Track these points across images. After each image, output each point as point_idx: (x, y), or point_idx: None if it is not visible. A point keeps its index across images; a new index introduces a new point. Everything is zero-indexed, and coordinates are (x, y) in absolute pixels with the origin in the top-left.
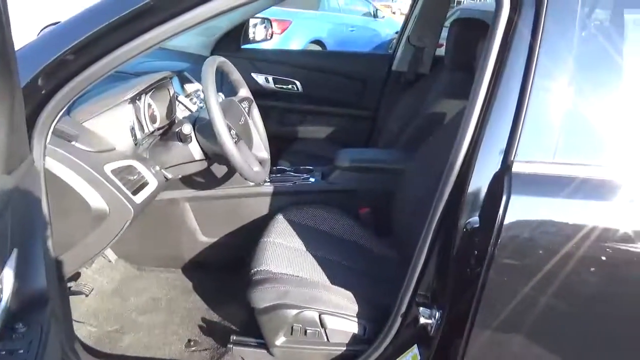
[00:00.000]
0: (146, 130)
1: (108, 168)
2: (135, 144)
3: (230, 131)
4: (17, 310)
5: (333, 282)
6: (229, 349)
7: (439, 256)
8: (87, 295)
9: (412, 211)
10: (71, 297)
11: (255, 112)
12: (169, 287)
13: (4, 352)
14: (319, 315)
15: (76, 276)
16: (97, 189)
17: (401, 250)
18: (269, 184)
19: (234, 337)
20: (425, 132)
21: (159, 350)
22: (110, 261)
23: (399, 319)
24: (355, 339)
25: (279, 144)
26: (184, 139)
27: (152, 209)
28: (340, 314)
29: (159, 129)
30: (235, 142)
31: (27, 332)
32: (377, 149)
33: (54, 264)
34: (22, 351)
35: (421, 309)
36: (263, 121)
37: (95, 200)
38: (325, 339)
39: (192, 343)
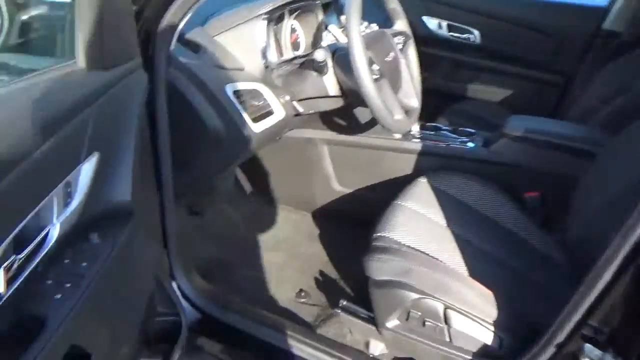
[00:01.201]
0: (285, 56)
1: (231, 88)
2: (266, 67)
3: (371, 65)
4: (94, 220)
5: (472, 273)
6: (336, 313)
7: (632, 281)
8: (201, 217)
9: (598, 209)
10: (192, 219)
11: (411, 51)
12: (296, 229)
13: (67, 261)
14: (445, 309)
15: (204, 199)
16: (215, 108)
17: (573, 257)
18: (418, 140)
19: (343, 302)
20: (634, 114)
21: (269, 291)
22: (244, 192)
23: (552, 349)
24: (485, 350)
25: (441, 100)
26: (318, 68)
27: (289, 146)
28: (472, 315)
29: (300, 57)
30: (376, 80)
31: (98, 245)
32: (563, 121)
33: (169, 180)
34: (84, 264)
35: (587, 346)
36: (428, 72)
37: (212, 120)
38: (447, 338)
39: (302, 294)
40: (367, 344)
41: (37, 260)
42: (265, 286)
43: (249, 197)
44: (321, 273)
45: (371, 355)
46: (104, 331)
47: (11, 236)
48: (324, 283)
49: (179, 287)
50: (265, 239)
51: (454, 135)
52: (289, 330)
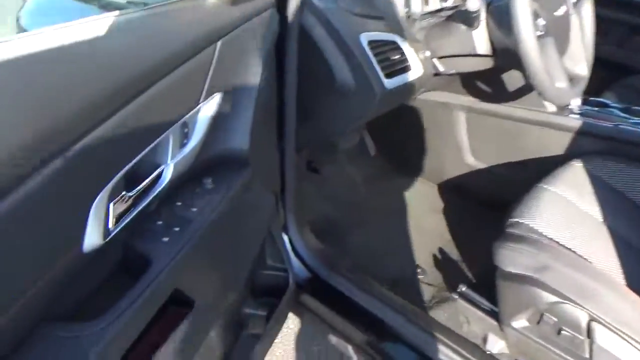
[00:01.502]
0: (431, 6)
1: (366, 38)
2: (408, 18)
3: (535, 19)
4: (209, 165)
5: (629, 282)
6: (453, 298)
7: None
8: (319, 174)
9: None
10: (310, 175)
11: (587, 8)
12: (419, 200)
13: (178, 204)
14: (589, 320)
15: (324, 156)
16: (346, 58)
17: None
18: (577, 116)
19: (462, 288)
20: None
21: (382, 261)
22: (368, 153)
23: None
24: None
25: (610, 72)
26: (468, 20)
27: (422, 109)
28: (623, 333)
29: (448, 8)
30: (539, 37)
31: (211, 191)
32: None
33: (292, 131)
34: (195, 209)
35: None
36: (598, 37)
37: (341, 71)
38: (586, 354)
39: (419, 270)
40: (484, 339)
41: (148, 200)
42: (379, 255)
43: (372, 159)
44: (441, 251)
45: (488, 352)
46: (210, 278)
47: (123, 171)
48: (443, 262)
49: (290, 242)
50: (385, 206)
51: (625, 115)
52: (399, 306)
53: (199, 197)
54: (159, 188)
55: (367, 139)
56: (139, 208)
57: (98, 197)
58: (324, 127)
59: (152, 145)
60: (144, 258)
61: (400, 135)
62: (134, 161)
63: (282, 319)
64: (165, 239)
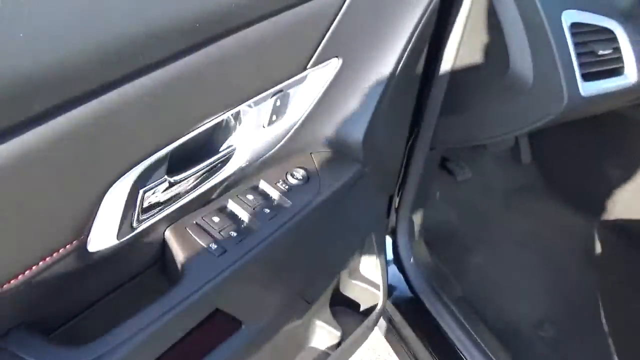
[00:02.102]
0: None
1: (569, 17)
2: None
3: None
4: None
5: None
6: None
7: None
8: (456, 180)
9: None
10: (441, 174)
11: None
12: (569, 234)
13: (249, 198)
14: None
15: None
16: (532, 41)
17: None
18: None
19: None
20: None
21: (501, 297)
22: (520, 159)
23: None
24: None
25: None
26: None
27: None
28: None
29: None
30: None
31: (297, 188)
32: None
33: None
34: (267, 211)
35: None
36: None
37: (520, 57)
38: None
39: (545, 327)
40: None
41: (202, 189)
42: (499, 290)
43: (523, 168)
44: (581, 307)
45: None
46: (272, 296)
47: (169, 148)
48: (579, 323)
49: (394, 251)
50: (524, 229)
51: None
52: None
53: (280, 194)
54: (221, 175)
55: (523, 142)
56: (185, 200)
57: (120, 182)
58: (477, 127)
59: (221, 115)
60: (181, 265)
61: (567, 144)
62: (188, 135)
63: (361, 341)
64: (213, 246)
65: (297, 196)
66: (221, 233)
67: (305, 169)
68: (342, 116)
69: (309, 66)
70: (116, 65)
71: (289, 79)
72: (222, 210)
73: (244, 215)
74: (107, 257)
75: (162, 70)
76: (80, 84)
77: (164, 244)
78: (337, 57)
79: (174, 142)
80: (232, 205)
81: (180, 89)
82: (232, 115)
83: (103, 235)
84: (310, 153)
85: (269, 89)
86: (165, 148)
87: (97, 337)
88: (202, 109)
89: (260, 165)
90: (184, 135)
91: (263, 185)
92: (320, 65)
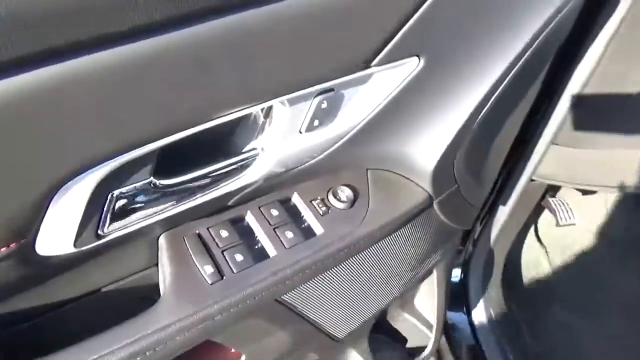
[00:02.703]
0: None
1: None
2: None
3: None
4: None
5: None
6: None
7: None
8: (558, 223)
9: None
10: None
11: None
12: None
13: (274, 214)
14: None
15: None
16: None
17: None
18: None
19: None
20: None
21: None
22: None
23: None
24: None
25: None
26: None
27: None
28: None
29: None
30: None
31: (340, 211)
32: None
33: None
34: (291, 235)
35: None
36: None
37: None
38: None
39: None
40: None
41: (204, 198)
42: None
43: None
44: None
45: None
46: (288, 334)
47: (160, 144)
48: None
49: (463, 286)
50: (635, 292)
51: None
52: None
53: (314, 216)
54: (237, 182)
55: None
56: (182, 207)
57: (76, 183)
58: (606, 170)
59: (239, 112)
60: (163, 285)
61: None
62: (187, 132)
63: None
64: (208, 269)
65: (334, 222)
66: (224, 253)
67: (353, 189)
68: (413, 131)
69: (374, 63)
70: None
71: (342, 76)
72: (236, 223)
73: (259, 234)
74: (73, 262)
75: (153, 40)
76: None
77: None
78: (417, 56)
79: (163, 138)
80: (249, 218)
81: (179, 64)
82: (260, 111)
83: (56, 239)
84: (367, 169)
85: (312, 86)
86: (149, 146)
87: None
88: (211, 99)
89: (297, 175)
90: (179, 132)
91: (296, 199)
92: (390, 65)
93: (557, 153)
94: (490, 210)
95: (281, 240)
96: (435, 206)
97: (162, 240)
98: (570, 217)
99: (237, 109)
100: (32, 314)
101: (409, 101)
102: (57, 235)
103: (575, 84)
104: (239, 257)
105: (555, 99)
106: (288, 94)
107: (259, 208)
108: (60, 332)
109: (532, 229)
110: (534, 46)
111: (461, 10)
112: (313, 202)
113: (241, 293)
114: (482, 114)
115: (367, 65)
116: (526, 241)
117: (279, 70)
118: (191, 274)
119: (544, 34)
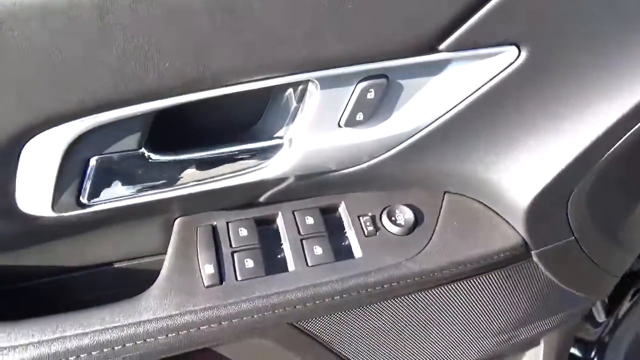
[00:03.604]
0: None
1: None
2: None
3: None
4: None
5: None
6: None
7: None
8: None
9: None
10: None
11: None
12: None
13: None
14: None
15: None
16: None
17: None
18: None
19: None
20: None
21: None
22: None
23: None
24: None
25: None
26: None
27: None
28: None
29: None
30: None
31: (391, 237)
32: None
33: None
34: (321, 251)
35: None
36: None
37: None
38: None
39: None
40: None
41: (239, 180)
42: None
43: None
44: None
45: None
46: None
47: (151, 107)
48: None
49: None
50: None
51: None
52: None
53: (356, 235)
54: (250, 175)
55: None
56: (178, 191)
57: (42, 137)
58: None
59: (252, 83)
60: (158, 276)
61: None
62: (183, 98)
63: None
64: (209, 269)
65: (379, 248)
66: (234, 255)
67: (417, 212)
68: (505, 150)
69: (443, 47)
70: None
71: (397, 58)
72: (261, 223)
73: (285, 242)
74: (69, 229)
75: None
76: None
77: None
78: (516, 45)
79: (145, 102)
80: (279, 221)
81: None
82: (293, 93)
83: (34, 198)
84: (445, 192)
85: (353, 66)
86: (128, 109)
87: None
88: (208, 58)
89: (348, 183)
90: (167, 98)
91: (342, 210)
92: (473, 53)
93: None
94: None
95: (305, 255)
96: (535, 258)
97: (175, 226)
98: None
99: (245, 80)
100: (32, 275)
101: (503, 107)
102: (34, 194)
103: None
104: (249, 263)
105: None
106: (316, 70)
107: (293, 212)
108: (57, 299)
109: None
110: None
111: None
112: (361, 218)
113: (238, 306)
114: (619, 142)
115: (432, 48)
116: None
117: (305, 35)
118: (189, 270)
119: None
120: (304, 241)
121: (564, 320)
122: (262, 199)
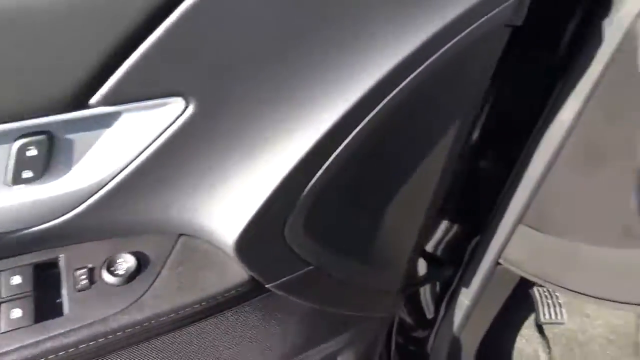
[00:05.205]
0: None
1: None
2: None
3: None
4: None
5: None
6: None
7: None
8: (537, 320)
9: None
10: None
11: None
12: None
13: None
14: None
15: None
16: None
17: None
18: None
19: None
20: None
21: None
22: None
23: None
24: None
25: None
26: None
27: None
28: None
29: None
30: None
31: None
32: None
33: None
34: None
35: None
36: None
37: None
38: None
39: None
40: None
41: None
42: None
43: None
44: None
45: None
46: None
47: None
48: None
49: None
50: None
51: None
52: None
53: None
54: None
55: None
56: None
57: None
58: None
59: None
60: None
61: None
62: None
63: None
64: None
65: (90, 304)
66: None
67: (143, 259)
68: (207, 193)
69: (94, 101)
70: None
71: (50, 115)
72: None
73: None
74: None
75: None
76: None
77: None
78: (182, 96)
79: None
80: None
81: None
82: None
83: None
84: (180, 235)
85: (3, 124)
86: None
87: None
88: None
89: (66, 232)
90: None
91: (61, 265)
92: (132, 105)
93: (524, 235)
94: (453, 295)
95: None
96: (276, 290)
97: None
98: (556, 315)
99: None
100: None
101: (189, 154)
102: None
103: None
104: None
105: (524, 162)
106: None
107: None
108: None
109: (532, 319)
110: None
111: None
112: (77, 272)
113: None
114: (321, 170)
115: (82, 103)
116: (524, 333)
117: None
118: None
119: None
120: (2, 305)
121: (351, 341)
122: None
